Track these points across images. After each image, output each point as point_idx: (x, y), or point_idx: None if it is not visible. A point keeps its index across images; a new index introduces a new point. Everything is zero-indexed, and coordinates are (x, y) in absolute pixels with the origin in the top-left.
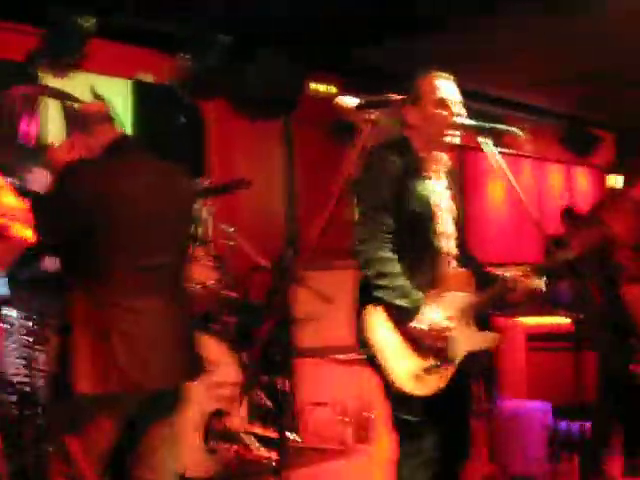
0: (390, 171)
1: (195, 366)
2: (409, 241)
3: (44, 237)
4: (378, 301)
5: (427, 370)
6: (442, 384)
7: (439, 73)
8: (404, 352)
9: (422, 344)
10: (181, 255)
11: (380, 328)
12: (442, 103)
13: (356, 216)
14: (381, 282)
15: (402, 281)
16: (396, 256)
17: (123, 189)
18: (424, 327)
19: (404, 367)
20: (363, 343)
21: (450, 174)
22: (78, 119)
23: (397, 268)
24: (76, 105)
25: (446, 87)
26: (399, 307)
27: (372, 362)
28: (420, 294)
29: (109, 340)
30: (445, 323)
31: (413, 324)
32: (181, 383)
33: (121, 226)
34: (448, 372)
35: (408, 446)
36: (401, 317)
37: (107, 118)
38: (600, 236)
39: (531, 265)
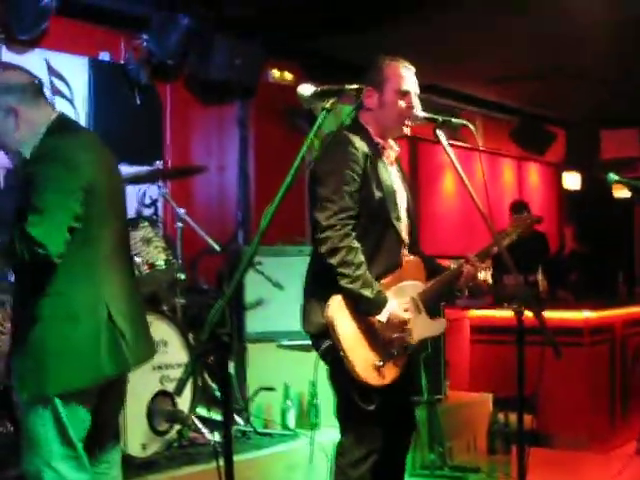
0: (353, 155)
1: (153, 344)
2: (370, 227)
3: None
4: (338, 290)
5: (385, 359)
6: (397, 373)
7: (405, 62)
8: (363, 342)
9: (380, 335)
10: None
11: (342, 319)
12: (403, 94)
13: (317, 202)
14: (345, 271)
15: (365, 271)
16: (360, 245)
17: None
18: (383, 320)
19: (363, 357)
20: (320, 332)
21: (397, 162)
22: (26, 91)
23: (361, 258)
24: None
25: (409, 78)
26: (362, 297)
27: (332, 353)
28: (378, 286)
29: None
30: (403, 315)
31: (375, 317)
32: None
33: (105, 201)
34: (402, 361)
35: (357, 434)
36: (362, 307)
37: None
38: (531, 221)
39: (474, 254)
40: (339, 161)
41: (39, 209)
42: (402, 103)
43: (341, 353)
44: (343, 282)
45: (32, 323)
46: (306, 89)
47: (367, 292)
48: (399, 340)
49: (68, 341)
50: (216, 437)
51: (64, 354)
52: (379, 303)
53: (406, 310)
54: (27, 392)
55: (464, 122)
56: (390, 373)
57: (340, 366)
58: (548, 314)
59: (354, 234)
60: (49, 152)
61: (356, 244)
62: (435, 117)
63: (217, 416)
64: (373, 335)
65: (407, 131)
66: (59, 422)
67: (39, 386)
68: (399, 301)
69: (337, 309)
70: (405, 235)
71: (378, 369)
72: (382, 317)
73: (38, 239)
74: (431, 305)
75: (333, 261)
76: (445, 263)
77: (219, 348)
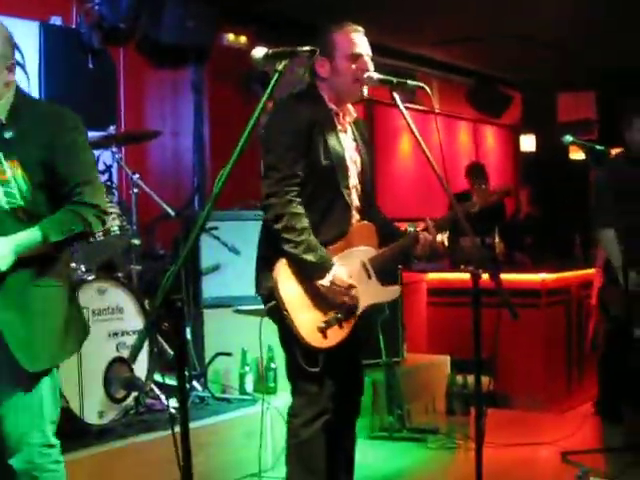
0: (298, 122)
1: None
2: (318, 194)
3: None
4: (284, 254)
5: (328, 322)
6: (343, 336)
7: (353, 26)
8: (308, 305)
9: (325, 298)
10: None
11: (286, 281)
12: (355, 57)
13: (263, 168)
14: (289, 236)
15: (309, 236)
16: (304, 210)
17: None
18: (326, 284)
19: (308, 319)
20: (268, 294)
21: (356, 125)
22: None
23: (305, 223)
24: None
25: (359, 41)
26: (305, 261)
27: (277, 314)
28: (324, 250)
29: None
30: (348, 280)
31: (318, 282)
32: None
33: None
34: (350, 324)
35: (306, 395)
36: (306, 271)
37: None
38: (497, 196)
39: (434, 220)
40: (282, 129)
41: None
42: (354, 67)
43: (284, 313)
44: (287, 247)
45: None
46: (259, 52)
47: (310, 256)
48: (343, 304)
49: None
50: (173, 403)
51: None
52: (323, 267)
53: (351, 276)
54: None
55: (420, 84)
56: (335, 336)
57: (285, 327)
58: (505, 276)
59: (298, 200)
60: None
61: (300, 209)
62: (390, 79)
63: (174, 382)
64: (318, 298)
65: (365, 92)
66: (55, 389)
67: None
68: (346, 266)
69: (282, 272)
70: (355, 201)
71: (322, 331)
72: (325, 281)
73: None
74: (383, 270)
75: (277, 227)
76: (402, 226)
77: (173, 314)
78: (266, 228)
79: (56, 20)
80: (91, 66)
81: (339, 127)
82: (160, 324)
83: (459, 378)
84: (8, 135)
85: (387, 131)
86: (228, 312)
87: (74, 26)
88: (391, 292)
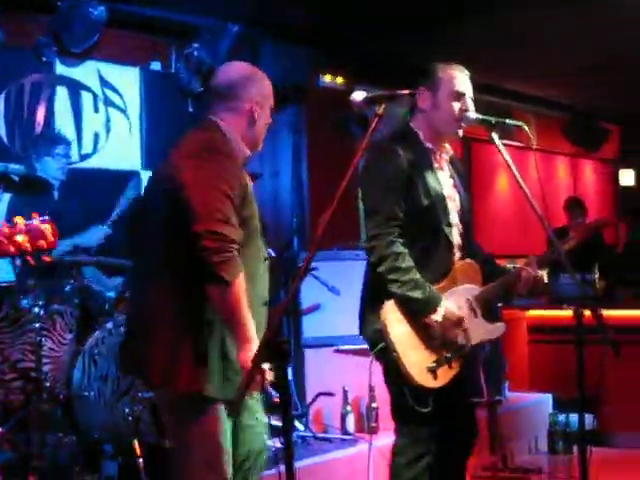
0: (397, 164)
1: None
2: (420, 234)
3: None
4: (391, 296)
5: (438, 362)
6: (452, 375)
7: (459, 66)
8: (417, 346)
9: (435, 337)
10: None
11: (395, 323)
12: (457, 95)
13: (363, 212)
14: (394, 276)
15: (414, 274)
16: (407, 250)
17: None
18: (439, 319)
19: (418, 360)
20: (375, 337)
21: (452, 161)
22: None
23: (409, 262)
24: None
25: (463, 81)
26: (413, 300)
27: (386, 355)
28: (432, 287)
29: None
30: (458, 313)
31: (431, 317)
32: None
33: None
34: (458, 363)
35: (411, 435)
36: (415, 310)
37: None
38: (597, 226)
39: (534, 256)
40: (382, 171)
41: None
42: (456, 105)
43: (394, 354)
44: (393, 288)
45: None
46: (358, 95)
47: (417, 294)
48: (453, 342)
49: None
50: (276, 443)
51: None
52: (433, 302)
53: (460, 308)
54: None
55: (519, 123)
56: (444, 375)
57: (394, 369)
58: (606, 313)
59: (400, 241)
60: None
61: (402, 249)
62: (489, 119)
63: (276, 422)
64: (427, 338)
65: (460, 133)
66: None
67: None
68: (453, 303)
69: (390, 313)
70: (457, 239)
71: (432, 371)
72: (437, 316)
73: None
74: (488, 308)
75: (382, 269)
76: (501, 263)
77: (279, 356)
78: (371, 271)
79: (156, 65)
80: (191, 110)
81: (436, 165)
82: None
83: (562, 416)
84: None
85: (484, 168)
86: (329, 352)
87: (173, 70)
88: (497, 329)
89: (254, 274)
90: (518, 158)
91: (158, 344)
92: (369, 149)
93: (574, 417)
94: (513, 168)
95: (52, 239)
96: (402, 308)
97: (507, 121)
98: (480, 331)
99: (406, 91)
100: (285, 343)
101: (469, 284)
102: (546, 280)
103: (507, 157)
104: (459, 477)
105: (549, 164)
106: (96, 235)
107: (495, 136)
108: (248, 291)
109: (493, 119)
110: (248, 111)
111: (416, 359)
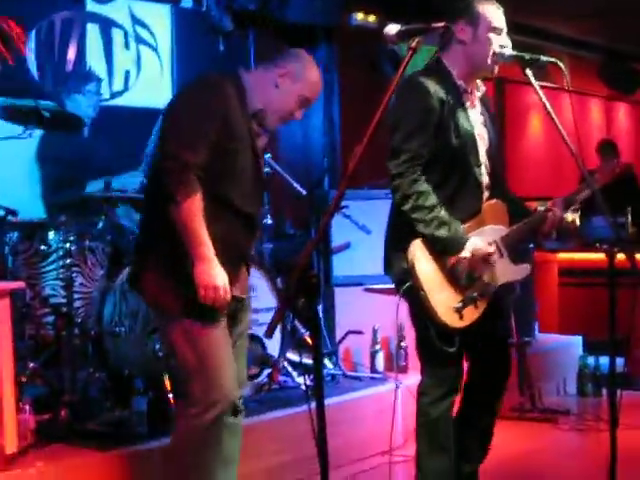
0: (427, 102)
1: None
2: (450, 173)
3: None
4: (417, 235)
5: (464, 302)
6: (478, 316)
7: (493, 1)
8: (443, 285)
9: (461, 277)
10: None
11: (422, 261)
12: (494, 30)
13: (390, 149)
14: (419, 215)
15: (440, 212)
16: (430, 187)
17: None
18: (467, 254)
19: (444, 300)
20: (402, 275)
21: (483, 101)
22: None
23: (433, 200)
24: None
25: (500, 16)
26: (439, 238)
27: (412, 294)
28: (458, 223)
29: None
30: (487, 248)
31: (460, 254)
32: None
33: None
34: (484, 304)
35: (436, 374)
36: (442, 248)
37: None
38: (620, 170)
39: (561, 197)
40: (411, 108)
41: None
42: (495, 39)
43: (421, 293)
44: (419, 227)
45: None
46: (392, 29)
47: (443, 232)
48: (482, 279)
49: None
50: (304, 380)
51: None
52: (459, 240)
53: (490, 244)
54: None
55: (553, 60)
56: (470, 316)
57: (420, 308)
58: (638, 256)
59: (423, 178)
60: None
61: (425, 187)
62: (523, 55)
63: (306, 360)
64: (454, 278)
65: (496, 70)
66: None
67: None
68: (481, 241)
69: (417, 252)
70: (485, 179)
71: (458, 311)
72: (465, 252)
73: None
74: (514, 249)
75: (406, 207)
76: (532, 205)
77: (308, 291)
78: (396, 209)
79: (187, 2)
80: (222, 48)
81: (468, 103)
82: (295, 301)
83: (591, 359)
84: None
85: (518, 109)
86: (358, 290)
87: (204, 9)
88: (522, 270)
89: (225, 218)
90: (552, 99)
91: (147, 264)
92: (400, 85)
93: (604, 360)
94: (548, 106)
95: None
96: (428, 247)
97: (542, 57)
98: (506, 271)
99: (442, 23)
100: (315, 277)
101: (496, 225)
102: (578, 223)
103: (542, 95)
104: (490, 418)
105: (583, 106)
106: (130, 180)
107: (529, 73)
108: (214, 230)
109: (527, 55)
110: (277, 76)
111: (443, 298)
